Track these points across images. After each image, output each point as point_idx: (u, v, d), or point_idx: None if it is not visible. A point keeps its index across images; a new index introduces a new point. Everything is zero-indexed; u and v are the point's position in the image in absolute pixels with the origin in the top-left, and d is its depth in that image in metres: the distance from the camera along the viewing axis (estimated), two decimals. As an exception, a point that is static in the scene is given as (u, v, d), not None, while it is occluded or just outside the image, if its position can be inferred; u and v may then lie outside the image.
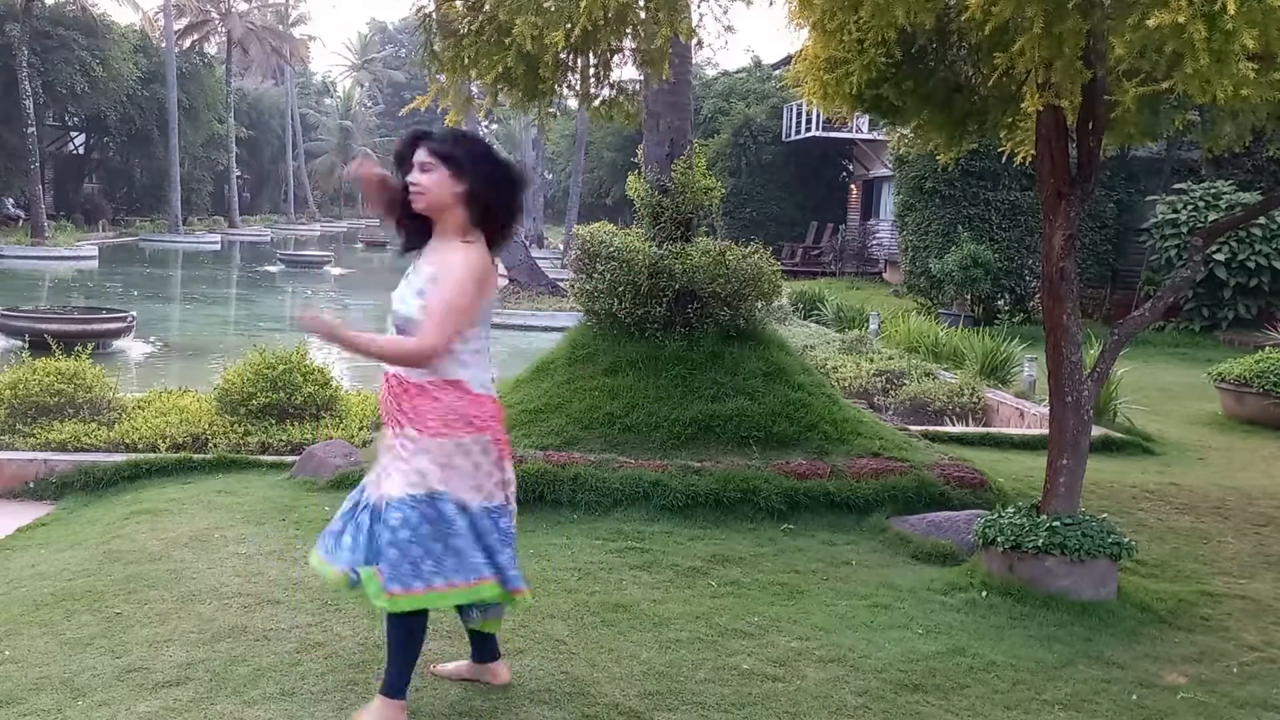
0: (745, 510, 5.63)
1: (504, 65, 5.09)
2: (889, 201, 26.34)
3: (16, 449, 6.69)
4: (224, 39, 52.94)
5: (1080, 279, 5.78)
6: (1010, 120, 5.40)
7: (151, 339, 16.57)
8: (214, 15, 52.49)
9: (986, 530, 4.74)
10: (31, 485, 6.37)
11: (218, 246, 43.66)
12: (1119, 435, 8.33)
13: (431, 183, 3.07)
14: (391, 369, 3.12)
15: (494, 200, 3.13)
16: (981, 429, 8.90)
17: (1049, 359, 4.85)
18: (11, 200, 42.86)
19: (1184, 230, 16.00)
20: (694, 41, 5.67)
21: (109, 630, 3.87)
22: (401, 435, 3.10)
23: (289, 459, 6.62)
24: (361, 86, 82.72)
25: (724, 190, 8.22)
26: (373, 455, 3.28)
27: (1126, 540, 4.58)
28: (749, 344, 6.75)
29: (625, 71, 6.14)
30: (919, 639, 4.08)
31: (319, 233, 59.32)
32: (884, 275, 27.26)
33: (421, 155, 3.08)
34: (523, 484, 5.51)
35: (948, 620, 4.29)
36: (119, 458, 6.51)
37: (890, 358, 11.81)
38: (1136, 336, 6.00)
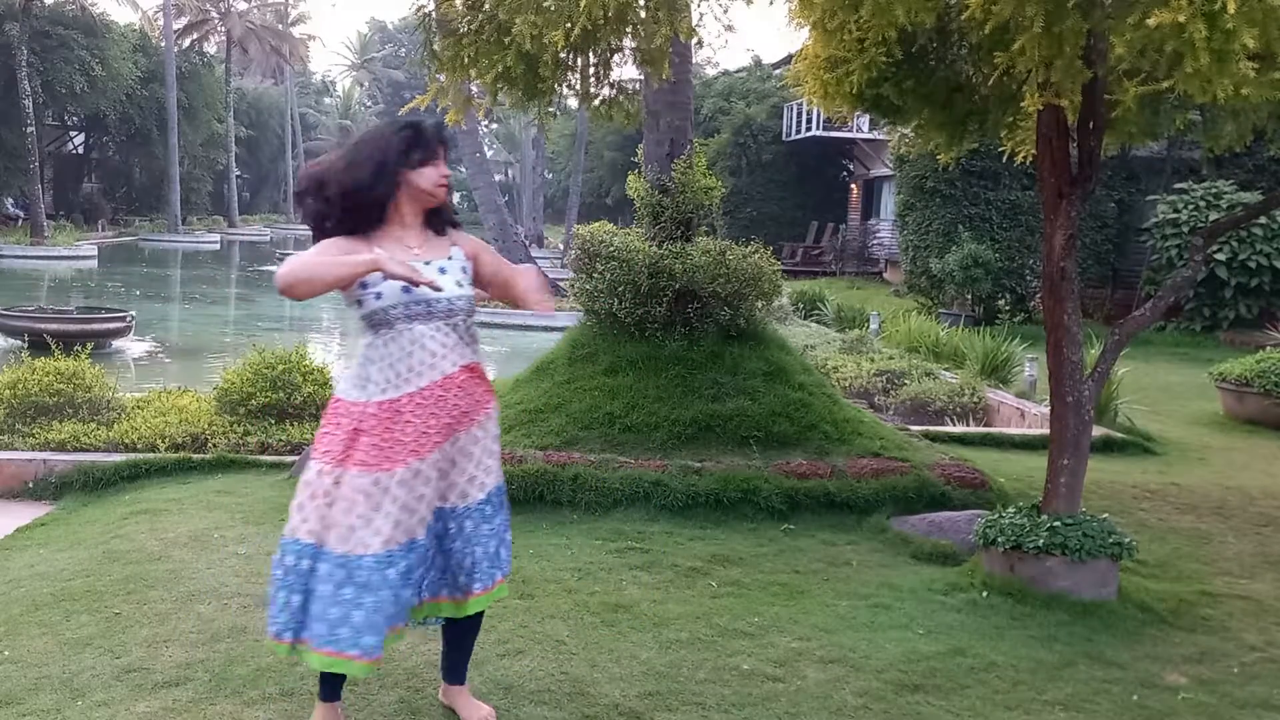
0: (745, 510, 5.62)
1: (504, 64, 5.08)
2: (889, 201, 26.33)
3: (16, 449, 6.68)
4: (223, 38, 52.90)
5: (1081, 279, 5.78)
6: (1011, 120, 5.40)
7: (153, 339, 16.57)
8: (213, 14, 52.47)
9: (987, 530, 4.73)
10: (31, 485, 6.36)
11: (217, 246, 43.64)
12: (1120, 435, 8.32)
13: None
14: (463, 362, 2.99)
15: None
16: (982, 429, 8.90)
17: (1050, 359, 4.84)
18: (11, 200, 42.86)
19: (1185, 230, 15.99)
20: (694, 41, 5.66)
21: (108, 630, 3.86)
22: (487, 421, 3.06)
23: (289, 459, 6.61)
24: (361, 86, 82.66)
25: (724, 190, 8.21)
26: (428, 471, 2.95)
27: (1127, 540, 4.57)
28: (749, 344, 6.74)
29: (625, 71, 6.13)
30: (920, 639, 4.07)
31: (319, 232, 59.20)
32: (884, 275, 27.25)
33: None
34: (523, 484, 5.56)
35: (948, 620, 4.29)
36: (118, 458, 6.50)
37: (891, 358, 11.81)
38: (1137, 336, 5.99)
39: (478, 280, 3.13)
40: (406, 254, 2.94)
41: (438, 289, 2.91)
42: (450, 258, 3.05)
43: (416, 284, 2.85)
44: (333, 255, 2.87)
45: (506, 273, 3.17)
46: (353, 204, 2.95)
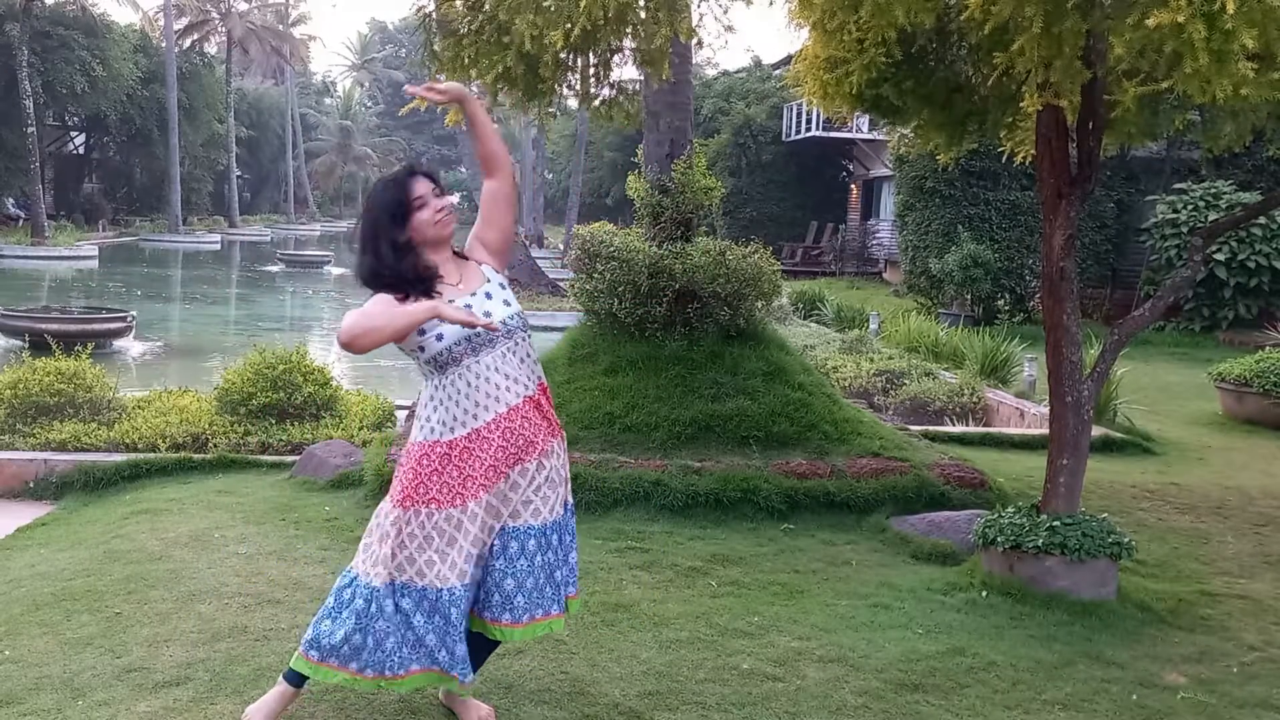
0: (745, 510, 5.63)
1: (504, 65, 5.10)
2: (889, 201, 26.34)
3: (16, 449, 6.69)
4: (224, 39, 52.93)
5: (1080, 279, 5.79)
6: (1010, 120, 5.40)
7: (158, 341, 16.58)
8: (214, 15, 52.49)
9: (986, 530, 4.74)
10: (31, 485, 6.37)
11: (218, 246, 43.66)
12: (1119, 435, 8.33)
13: None
14: (525, 394, 3.02)
15: None
16: (981, 429, 8.90)
17: (1049, 359, 4.85)
18: (12, 200, 42.87)
19: (1184, 230, 16.00)
20: (694, 41, 5.67)
21: (109, 630, 3.87)
22: (549, 456, 3.09)
23: (289, 459, 6.62)
24: (361, 86, 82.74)
25: (724, 190, 8.22)
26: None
27: (1126, 540, 4.58)
28: (749, 344, 6.75)
29: (625, 71, 6.14)
30: (919, 639, 4.08)
31: (319, 233, 59.31)
32: (884, 275, 27.26)
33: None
34: (523, 484, 5.56)
35: (948, 620, 4.29)
36: (119, 457, 6.51)
37: (890, 358, 11.81)
38: (1136, 336, 6.01)
39: (491, 220, 3.18)
40: (452, 292, 3.00)
41: (496, 328, 2.95)
42: (488, 279, 3.09)
43: (475, 326, 2.88)
44: (389, 308, 2.91)
45: (490, 181, 3.19)
46: (404, 278, 2.97)
